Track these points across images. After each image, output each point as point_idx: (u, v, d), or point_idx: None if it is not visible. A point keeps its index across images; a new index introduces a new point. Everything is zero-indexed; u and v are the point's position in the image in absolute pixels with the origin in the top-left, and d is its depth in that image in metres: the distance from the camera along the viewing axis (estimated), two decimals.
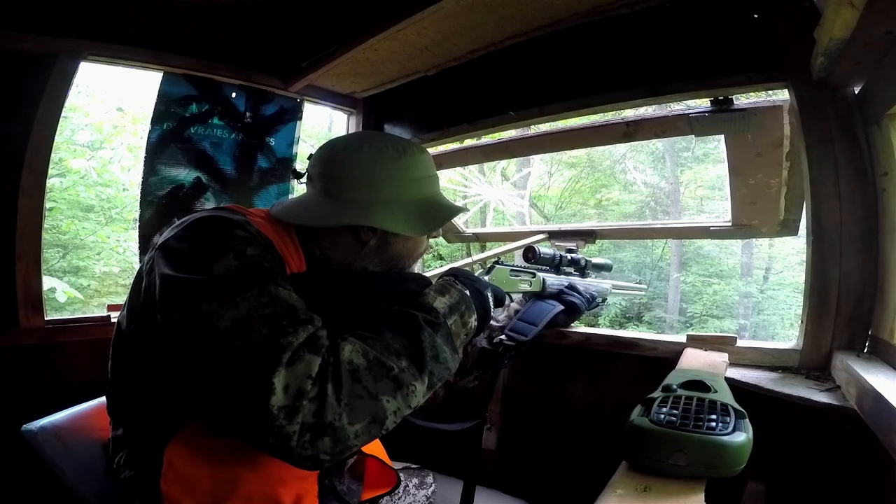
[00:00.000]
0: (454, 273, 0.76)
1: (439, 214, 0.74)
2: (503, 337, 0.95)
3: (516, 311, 1.03)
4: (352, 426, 0.52)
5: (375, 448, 0.83)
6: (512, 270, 0.95)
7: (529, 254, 1.03)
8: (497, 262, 0.92)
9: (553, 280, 1.05)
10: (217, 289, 0.54)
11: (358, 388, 0.53)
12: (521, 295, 1.05)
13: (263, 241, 0.62)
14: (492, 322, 0.93)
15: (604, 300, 1.17)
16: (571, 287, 1.06)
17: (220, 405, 0.53)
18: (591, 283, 1.13)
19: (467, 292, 0.71)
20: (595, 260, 1.19)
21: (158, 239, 0.64)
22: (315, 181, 0.73)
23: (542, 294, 1.02)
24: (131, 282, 0.67)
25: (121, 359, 0.67)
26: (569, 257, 1.10)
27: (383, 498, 0.81)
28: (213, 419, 0.60)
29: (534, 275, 1.00)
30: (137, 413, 0.66)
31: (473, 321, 0.69)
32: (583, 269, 1.15)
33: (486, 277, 0.85)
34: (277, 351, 0.51)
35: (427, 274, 1.48)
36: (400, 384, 0.56)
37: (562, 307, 1.02)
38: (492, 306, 0.76)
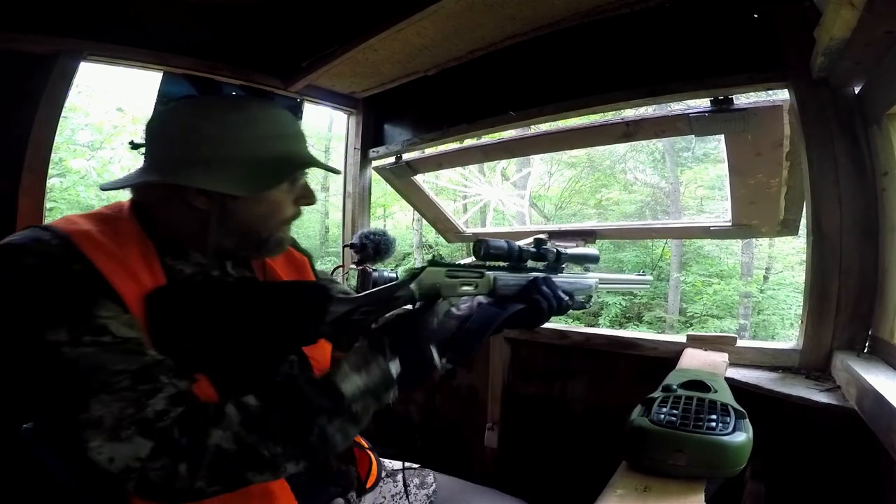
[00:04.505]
0: (389, 329, 0.66)
1: (280, 171, 0.65)
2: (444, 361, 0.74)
3: (464, 320, 0.83)
4: (211, 487, 0.52)
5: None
6: (450, 271, 0.76)
7: (478, 247, 0.82)
8: (432, 261, 0.74)
9: (510, 278, 0.84)
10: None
11: (221, 467, 0.52)
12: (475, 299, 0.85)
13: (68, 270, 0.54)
14: None
15: (589, 298, 0.97)
16: (533, 285, 0.83)
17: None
18: (566, 279, 0.92)
19: (392, 369, 0.61)
20: (573, 251, 0.94)
21: None
22: (145, 149, 0.66)
23: (494, 295, 0.82)
24: None
25: None
26: (532, 249, 0.88)
27: (379, 491, 0.82)
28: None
29: (481, 274, 0.80)
30: None
31: (393, 395, 0.62)
32: (555, 262, 0.91)
33: (412, 285, 0.69)
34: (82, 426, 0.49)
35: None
36: (271, 467, 0.54)
37: (514, 309, 0.81)
38: (437, 358, 0.66)
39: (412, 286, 0.68)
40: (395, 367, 0.61)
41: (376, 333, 0.66)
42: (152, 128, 0.65)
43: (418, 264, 0.81)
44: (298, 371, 0.70)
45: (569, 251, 0.93)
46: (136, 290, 0.56)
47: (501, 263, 0.85)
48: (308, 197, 0.70)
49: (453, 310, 0.81)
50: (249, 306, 0.60)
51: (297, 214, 0.70)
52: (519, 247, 0.85)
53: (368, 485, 0.79)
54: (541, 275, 0.86)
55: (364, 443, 0.83)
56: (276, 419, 0.55)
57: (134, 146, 0.68)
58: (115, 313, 0.53)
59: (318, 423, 0.56)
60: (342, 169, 2.08)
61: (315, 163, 0.69)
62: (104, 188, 0.67)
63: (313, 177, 10.66)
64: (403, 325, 0.67)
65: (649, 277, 1.13)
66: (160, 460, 0.50)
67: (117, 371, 0.51)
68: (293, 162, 0.66)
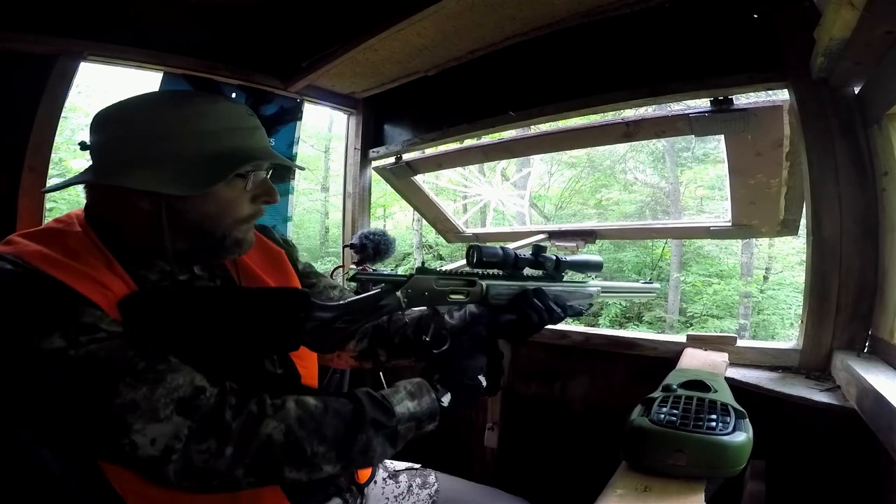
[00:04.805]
0: (441, 368, 0.67)
1: (223, 167, 0.60)
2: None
3: (458, 332, 0.80)
4: (247, 478, 0.53)
5: None
6: (440, 278, 0.73)
7: (471, 254, 0.78)
8: (420, 269, 0.71)
9: (503, 287, 0.80)
10: None
11: (265, 458, 0.53)
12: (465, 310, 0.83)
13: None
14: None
15: (590, 306, 0.93)
16: (523, 297, 0.80)
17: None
18: (564, 288, 0.88)
19: (443, 403, 0.64)
20: (573, 258, 0.89)
21: None
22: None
23: (486, 304, 0.79)
24: None
25: None
26: (529, 257, 0.84)
27: (381, 492, 0.82)
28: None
29: (472, 282, 0.76)
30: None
31: (432, 427, 0.65)
32: (554, 269, 0.87)
33: (398, 293, 0.68)
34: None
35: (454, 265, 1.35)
36: (308, 464, 0.56)
37: (504, 323, 0.77)
38: (483, 385, 0.69)
39: (399, 294, 0.68)
40: (446, 399, 0.65)
41: (430, 369, 0.68)
42: (92, 126, 0.61)
43: (417, 265, 0.78)
44: (283, 374, 0.70)
45: (569, 259, 0.89)
46: (109, 297, 0.54)
47: (496, 271, 0.81)
48: (268, 194, 0.66)
49: (447, 318, 0.83)
50: (228, 313, 0.59)
51: (257, 213, 0.66)
52: (515, 254, 0.82)
53: (361, 480, 0.79)
54: (532, 285, 0.82)
55: None
56: (329, 421, 0.57)
57: (84, 147, 0.63)
58: (98, 316, 0.52)
59: (367, 432, 0.58)
60: (342, 169, 2.08)
61: (265, 156, 0.64)
62: (44, 192, 0.66)
63: (313, 176, 10.64)
64: (453, 366, 0.68)
65: (656, 286, 1.08)
66: (206, 442, 0.51)
67: (130, 356, 0.51)
68: (238, 157, 0.61)
